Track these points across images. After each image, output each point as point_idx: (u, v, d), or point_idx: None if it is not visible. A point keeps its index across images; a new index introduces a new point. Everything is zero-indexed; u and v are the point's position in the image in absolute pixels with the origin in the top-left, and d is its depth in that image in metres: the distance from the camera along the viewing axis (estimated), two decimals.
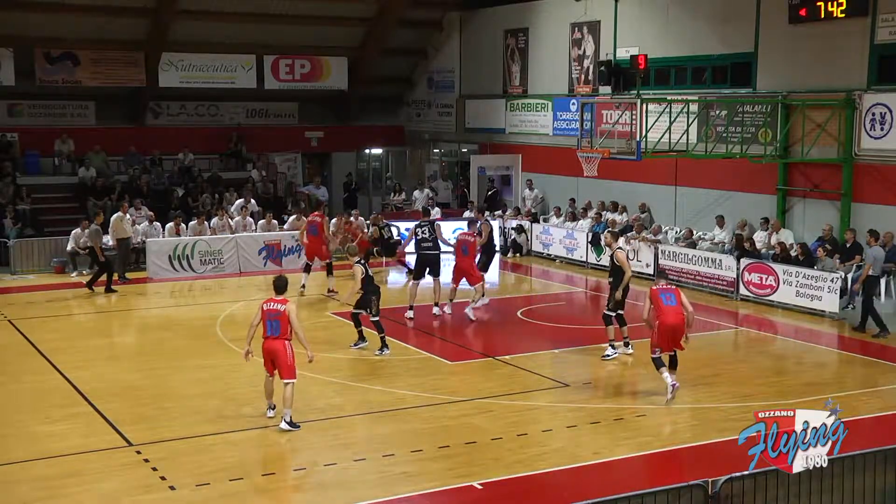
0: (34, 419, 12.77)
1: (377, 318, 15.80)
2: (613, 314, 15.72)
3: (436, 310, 18.63)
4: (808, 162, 20.98)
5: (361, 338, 16.11)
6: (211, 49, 29.62)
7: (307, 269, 21.16)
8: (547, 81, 28.34)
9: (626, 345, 15.81)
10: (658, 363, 13.38)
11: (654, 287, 13.67)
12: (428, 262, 18.85)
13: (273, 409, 12.45)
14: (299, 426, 12.11)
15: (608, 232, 16.76)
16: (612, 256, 15.90)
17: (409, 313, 18.33)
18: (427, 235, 18.79)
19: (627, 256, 15.49)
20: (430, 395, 13.66)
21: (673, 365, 13.55)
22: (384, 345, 15.75)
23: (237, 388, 13.99)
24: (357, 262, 15.68)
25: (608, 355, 15.59)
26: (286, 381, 11.98)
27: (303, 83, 31.32)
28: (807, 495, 8.45)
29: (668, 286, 13.66)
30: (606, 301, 16.14)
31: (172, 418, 12.78)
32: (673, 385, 13.28)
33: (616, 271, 15.75)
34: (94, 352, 16.42)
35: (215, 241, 23.92)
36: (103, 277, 21.47)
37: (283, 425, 12.04)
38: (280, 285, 12.35)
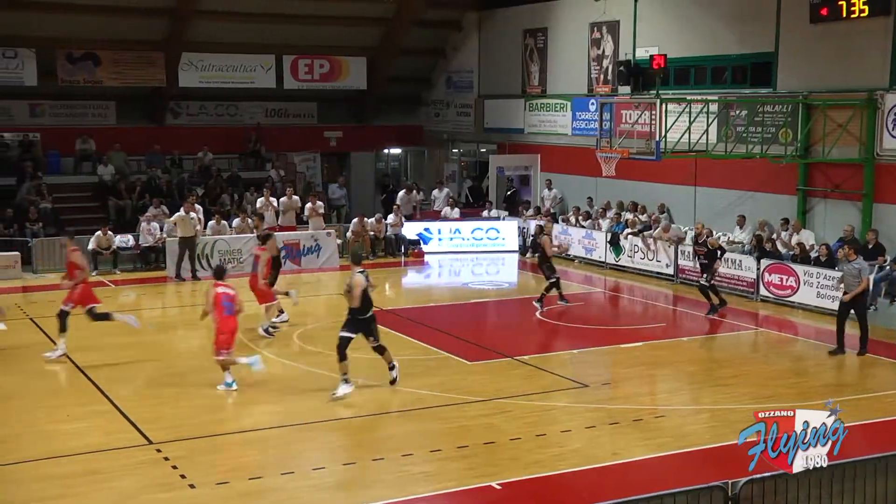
0: (55, 417, 12.85)
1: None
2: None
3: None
4: (829, 162, 20.83)
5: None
6: (230, 49, 29.69)
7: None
8: (566, 81, 28.27)
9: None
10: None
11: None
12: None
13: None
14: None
15: (546, 220, 17.88)
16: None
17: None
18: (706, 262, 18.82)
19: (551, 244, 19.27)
20: (449, 395, 13.66)
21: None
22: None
23: (258, 386, 14.04)
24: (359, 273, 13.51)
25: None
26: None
27: (322, 83, 31.36)
28: (828, 497, 8.38)
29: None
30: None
31: (192, 417, 12.84)
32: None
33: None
34: (115, 350, 16.48)
35: (235, 241, 24.00)
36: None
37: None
38: (219, 272, 14.20)
